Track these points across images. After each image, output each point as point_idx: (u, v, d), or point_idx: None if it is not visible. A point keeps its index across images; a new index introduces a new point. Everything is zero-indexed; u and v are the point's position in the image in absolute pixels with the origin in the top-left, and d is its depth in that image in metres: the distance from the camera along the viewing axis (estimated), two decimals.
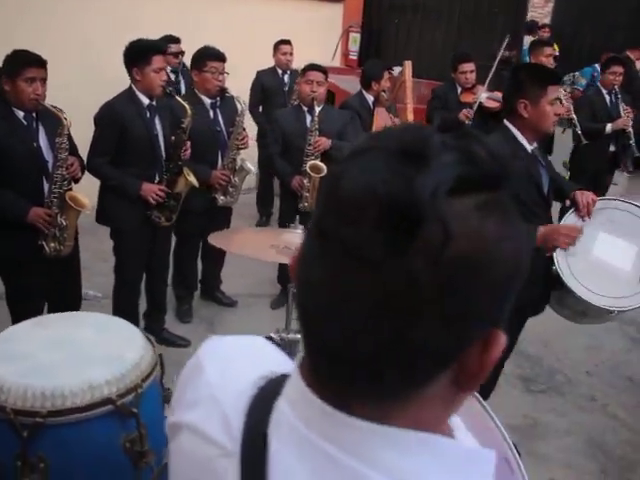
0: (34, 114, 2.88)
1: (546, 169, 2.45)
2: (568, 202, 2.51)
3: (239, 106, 3.71)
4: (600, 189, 5.56)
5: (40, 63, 2.81)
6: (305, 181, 3.83)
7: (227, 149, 3.72)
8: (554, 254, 2.37)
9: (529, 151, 2.37)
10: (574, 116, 4.98)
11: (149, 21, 5.11)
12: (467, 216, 0.49)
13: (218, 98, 3.71)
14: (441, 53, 5.24)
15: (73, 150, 3.14)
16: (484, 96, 4.71)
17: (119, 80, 3.33)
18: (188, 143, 3.35)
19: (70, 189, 3.12)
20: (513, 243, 0.52)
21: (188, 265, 4.04)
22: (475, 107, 4.65)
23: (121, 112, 3.18)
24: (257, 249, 2.12)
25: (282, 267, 4.43)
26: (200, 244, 4.02)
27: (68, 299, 3.21)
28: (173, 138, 3.30)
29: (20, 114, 2.84)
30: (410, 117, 4.00)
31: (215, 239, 2.26)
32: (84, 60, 4.97)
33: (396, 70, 4.80)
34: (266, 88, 5.26)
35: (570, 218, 2.45)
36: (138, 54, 3.17)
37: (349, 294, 0.51)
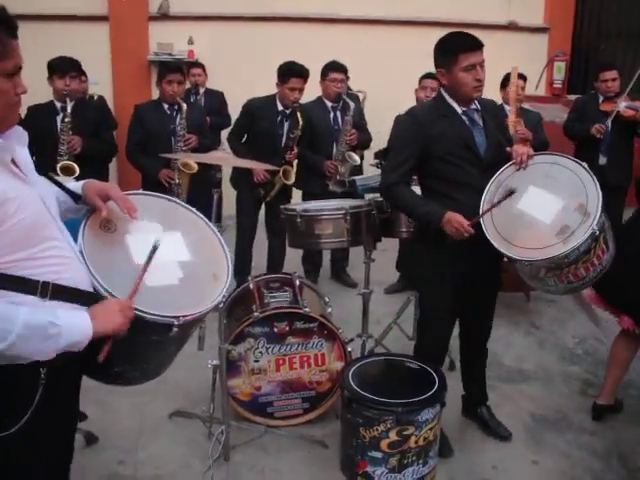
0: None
1: (483, 130, 2.64)
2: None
3: (351, 106, 4.46)
4: None
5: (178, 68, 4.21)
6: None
7: (339, 143, 4.52)
8: (481, 204, 2.54)
9: (458, 112, 2.64)
10: None
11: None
12: None
13: (339, 102, 4.57)
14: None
15: None
16: (623, 105, 4.53)
17: None
18: (295, 148, 4.31)
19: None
20: None
21: None
22: (612, 116, 4.53)
23: (258, 111, 4.31)
24: None
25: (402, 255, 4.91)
26: None
27: None
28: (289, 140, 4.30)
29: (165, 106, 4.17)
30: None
31: None
32: None
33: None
34: None
35: (510, 168, 2.59)
36: (281, 73, 4.23)
37: None
